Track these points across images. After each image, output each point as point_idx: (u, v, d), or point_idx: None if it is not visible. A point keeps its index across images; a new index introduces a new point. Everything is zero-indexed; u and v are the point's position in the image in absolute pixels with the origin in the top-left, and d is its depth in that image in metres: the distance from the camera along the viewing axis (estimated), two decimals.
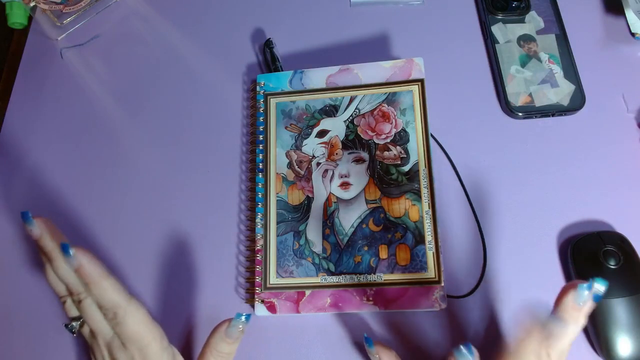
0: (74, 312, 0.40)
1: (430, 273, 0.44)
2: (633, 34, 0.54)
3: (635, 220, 0.47)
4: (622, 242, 0.44)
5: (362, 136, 0.49)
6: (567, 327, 0.35)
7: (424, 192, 0.46)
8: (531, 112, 0.51)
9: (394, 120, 0.49)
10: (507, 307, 0.45)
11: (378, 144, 0.49)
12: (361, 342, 0.45)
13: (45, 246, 0.38)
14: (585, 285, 0.35)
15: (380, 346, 0.40)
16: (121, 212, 0.51)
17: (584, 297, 0.35)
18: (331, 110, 0.51)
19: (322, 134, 0.50)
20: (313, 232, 0.47)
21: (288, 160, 0.50)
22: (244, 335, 0.45)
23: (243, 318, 0.39)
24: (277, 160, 0.50)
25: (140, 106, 0.56)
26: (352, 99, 0.51)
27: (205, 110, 0.55)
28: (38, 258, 0.49)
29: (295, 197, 0.48)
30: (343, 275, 0.45)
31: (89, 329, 0.40)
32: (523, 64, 0.53)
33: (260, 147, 0.50)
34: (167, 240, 0.49)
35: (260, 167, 0.50)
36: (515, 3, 0.55)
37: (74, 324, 0.40)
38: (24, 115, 0.56)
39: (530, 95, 0.51)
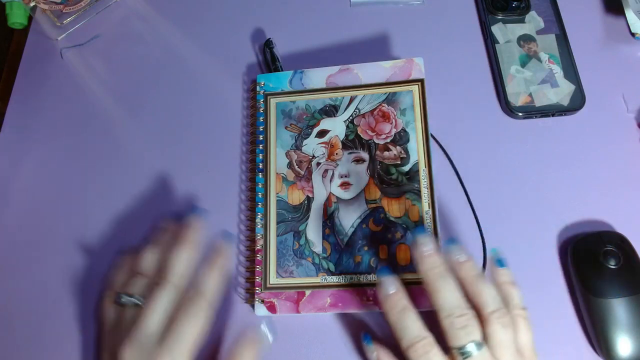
0: (136, 290, 0.40)
1: None
2: (633, 34, 0.54)
3: (635, 220, 0.47)
4: (622, 242, 0.44)
5: (362, 136, 0.49)
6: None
7: (424, 192, 0.46)
8: (531, 112, 0.51)
9: (394, 120, 0.49)
10: None
11: (378, 144, 0.49)
12: (361, 342, 0.45)
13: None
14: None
15: (379, 345, 0.40)
16: (121, 212, 0.51)
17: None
18: (331, 110, 0.51)
19: (322, 134, 0.50)
20: (313, 232, 0.47)
21: (288, 160, 0.50)
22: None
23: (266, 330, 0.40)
24: (277, 160, 0.50)
25: (140, 106, 0.55)
26: (352, 99, 0.51)
27: (205, 110, 0.55)
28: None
29: (295, 197, 0.48)
30: (343, 275, 0.45)
31: (131, 313, 0.39)
32: (523, 64, 0.53)
33: (260, 147, 0.50)
34: None
35: (260, 167, 0.50)
36: (515, 3, 0.55)
37: (131, 298, 0.39)
38: (24, 115, 0.56)
39: (530, 95, 0.51)
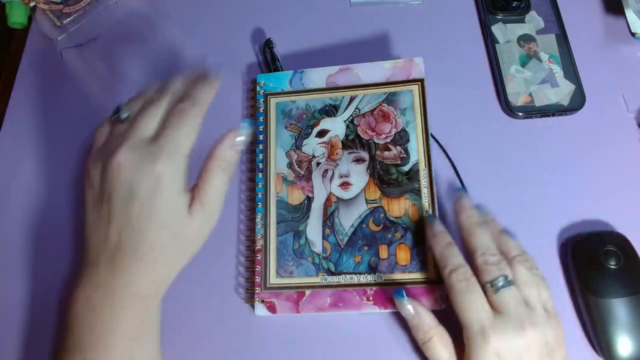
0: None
1: (430, 273, 0.44)
2: (633, 34, 0.54)
3: (635, 220, 0.47)
4: (622, 242, 0.44)
5: (362, 136, 0.49)
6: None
7: (424, 192, 0.46)
8: (531, 112, 0.51)
9: (394, 120, 0.49)
10: None
11: (378, 143, 0.49)
12: (361, 341, 0.45)
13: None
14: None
15: (411, 297, 0.42)
16: None
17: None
18: (331, 110, 0.51)
19: (322, 133, 0.50)
20: (313, 232, 0.47)
21: (288, 160, 0.50)
22: (244, 335, 0.45)
23: (246, 125, 0.41)
24: (277, 160, 0.50)
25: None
26: (352, 99, 0.51)
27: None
28: None
29: (295, 197, 0.48)
30: (343, 275, 0.45)
31: (123, 126, 0.39)
32: (523, 64, 0.53)
33: (260, 147, 0.50)
34: None
35: (260, 167, 0.50)
36: (515, 3, 0.55)
37: (129, 113, 0.40)
38: (24, 115, 0.56)
39: (530, 95, 0.51)
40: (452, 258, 0.40)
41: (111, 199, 0.37)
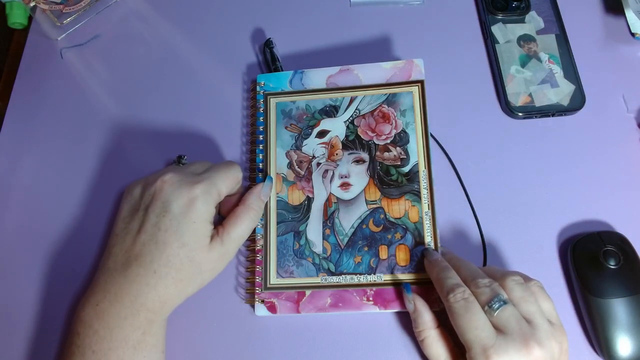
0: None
1: None
2: (633, 34, 0.54)
3: (635, 220, 0.47)
4: (622, 242, 0.45)
5: (362, 137, 0.49)
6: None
7: (424, 193, 0.46)
8: (531, 112, 0.51)
9: (394, 121, 0.49)
10: None
11: (378, 144, 0.49)
12: (361, 341, 0.45)
13: None
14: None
15: (416, 294, 0.43)
16: None
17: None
18: (331, 111, 0.51)
19: (322, 134, 0.50)
20: (313, 232, 0.47)
21: (288, 161, 0.50)
22: (244, 335, 0.45)
23: (270, 181, 0.48)
24: (277, 160, 0.50)
25: (140, 106, 0.55)
26: (352, 100, 0.51)
27: (205, 110, 0.55)
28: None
29: (296, 197, 0.48)
30: (343, 276, 0.45)
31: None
32: (523, 64, 0.53)
33: (260, 147, 0.50)
34: None
35: (260, 167, 0.50)
36: (515, 3, 0.55)
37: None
38: (24, 115, 0.56)
39: (530, 95, 0.51)
40: (448, 280, 0.40)
41: (147, 211, 0.41)
